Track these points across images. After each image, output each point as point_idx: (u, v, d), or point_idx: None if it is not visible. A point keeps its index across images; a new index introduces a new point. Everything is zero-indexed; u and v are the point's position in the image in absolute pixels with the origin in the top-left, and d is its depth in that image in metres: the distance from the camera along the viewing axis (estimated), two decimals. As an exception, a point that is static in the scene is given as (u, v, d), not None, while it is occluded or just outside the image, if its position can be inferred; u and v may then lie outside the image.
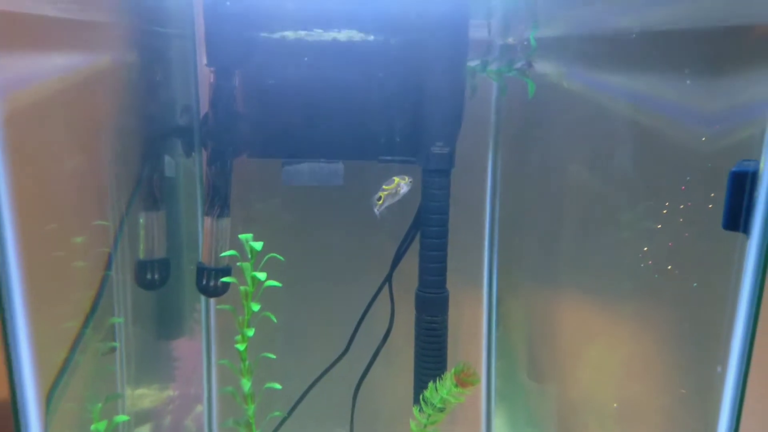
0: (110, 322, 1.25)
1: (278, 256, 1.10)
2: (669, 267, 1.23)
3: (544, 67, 1.31)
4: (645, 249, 1.27)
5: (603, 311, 1.41)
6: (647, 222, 1.27)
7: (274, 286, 1.14)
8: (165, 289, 1.46)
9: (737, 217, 0.85)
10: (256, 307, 1.11)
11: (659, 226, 1.24)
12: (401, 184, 1.29)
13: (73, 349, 1.13)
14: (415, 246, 1.39)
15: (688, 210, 1.17)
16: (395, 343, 1.48)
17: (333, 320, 1.54)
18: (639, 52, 1.16)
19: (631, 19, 1.12)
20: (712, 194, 1.08)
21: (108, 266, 1.25)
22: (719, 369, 0.89)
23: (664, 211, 1.22)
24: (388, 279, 1.49)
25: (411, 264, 1.39)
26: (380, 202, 1.28)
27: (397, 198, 1.30)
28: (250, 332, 1.12)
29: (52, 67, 1.04)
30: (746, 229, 0.84)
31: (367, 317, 1.47)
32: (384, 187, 1.29)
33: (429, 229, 1.34)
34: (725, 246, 0.94)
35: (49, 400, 1.03)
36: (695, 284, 1.16)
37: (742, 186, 0.83)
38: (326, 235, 1.54)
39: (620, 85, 1.27)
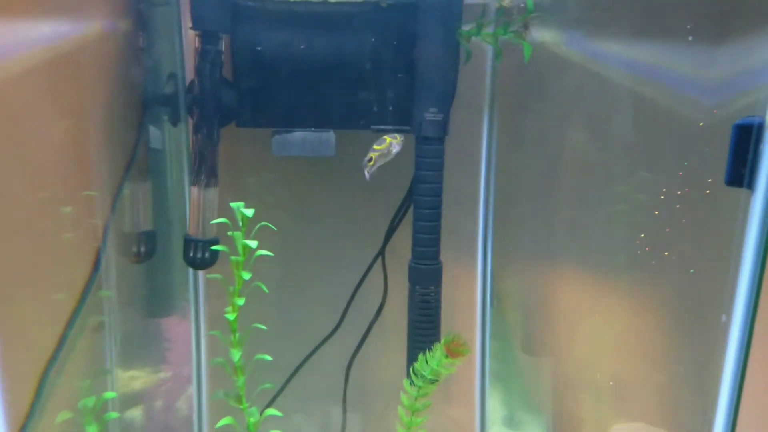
0: (99, 295, 1.21)
1: (270, 225, 1.07)
2: (667, 241, 1.21)
3: (542, 32, 1.28)
4: (643, 224, 1.25)
5: (599, 286, 1.39)
6: (646, 195, 1.25)
7: (266, 257, 1.10)
8: (154, 263, 1.42)
9: (741, 171, 0.82)
10: (247, 276, 1.07)
11: (661, 196, 1.22)
12: (393, 143, 1.25)
13: (69, 325, 1.10)
14: (409, 219, 1.37)
15: (689, 181, 1.15)
16: (389, 317, 1.47)
17: (325, 294, 1.51)
18: (639, 15, 1.12)
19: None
20: (711, 177, 1.06)
21: (102, 240, 1.21)
22: (723, 318, 0.86)
23: (665, 184, 1.19)
24: (381, 253, 1.47)
25: (405, 238, 1.37)
26: (371, 163, 1.25)
27: (388, 158, 1.26)
28: (241, 301, 1.08)
29: (34, 36, 1.01)
30: (750, 184, 0.81)
31: (360, 292, 1.46)
32: (375, 147, 1.25)
33: (422, 199, 1.31)
34: (727, 214, 0.91)
35: (44, 377, 1.00)
36: (691, 271, 1.14)
37: (747, 139, 0.80)
38: (318, 207, 1.51)
39: (620, 51, 1.24)
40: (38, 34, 1.02)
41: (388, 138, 1.26)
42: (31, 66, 0.99)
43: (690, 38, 1.10)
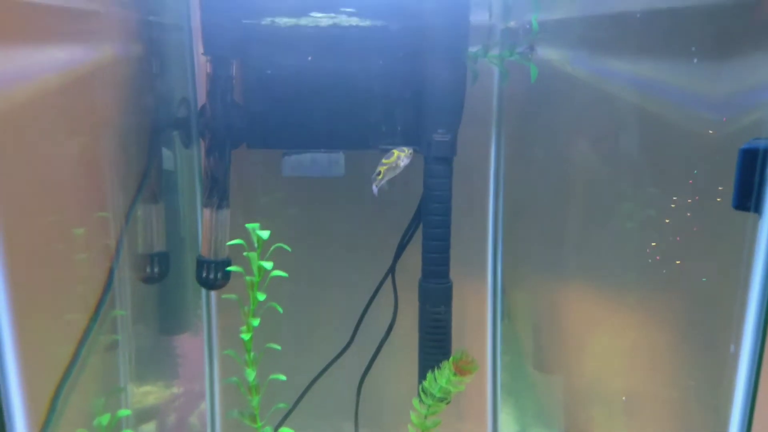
0: (113, 314, 1.22)
1: (285, 246, 1.08)
2: (676, 255, 1.21)
3: (547, 52, 1.29)
4: (652, 239, 1.26)
5: (610, 301, 1.39)
6: (654, 210, 1.26)
7: (278, 278, 1.11)
8: (167, 283, 1.44)
9: (748, 195, 0.83)
10: (261, 297, 1.08)
11: (669, 211, 1.22)
12: (401, 156, 1.25)
13: (81, 344, 1.11)
14: (419, 237, 1.37)
15: (696, 197, 1.16)
16: (399, 335, 1.46)
17: (337, 313, 1.53)
18: (643, 33, 1.14)
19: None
20: (720, 187, 1.06)
21: (114, 260, 1.23)
22: (732, 348, 0.87)
23: (674, 200, 1.20)
24: (391, 270, 1.47)
25: (415, 255, 1.38)
26: (380, 177, 1.25)
27: (397, 171, 1.26)
28: (256, 322, 1.10)
29: (49, 61, 1.03)
30: (758, 208, 0.82)
31: (370, 309, 1.46)
32: (383, 161, 1.26)
33: (431, 218, 1.32)
34: (735, 231, 0.92)
35: (56, 396, 1.02)
36: (704, 279, 1.15)
37: (753, 163, 0.81)
38: (328, 226, 1.52)
39: (625, 70, 1.25)
40: (53, 59, 1.04)
41: (396, 151, 1.26)
42: (45, 90, 1.01)
43: (695, 58, 1.11)
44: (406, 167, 1.29)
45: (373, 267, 1.46)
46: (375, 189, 1.25)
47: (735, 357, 0.86)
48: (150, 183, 1.34)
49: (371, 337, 1.46)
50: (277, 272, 1.10)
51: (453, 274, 1.34)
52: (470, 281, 1.52)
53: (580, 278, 1.44)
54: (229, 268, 1.12)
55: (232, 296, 1.12)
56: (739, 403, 0.90)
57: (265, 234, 1.06)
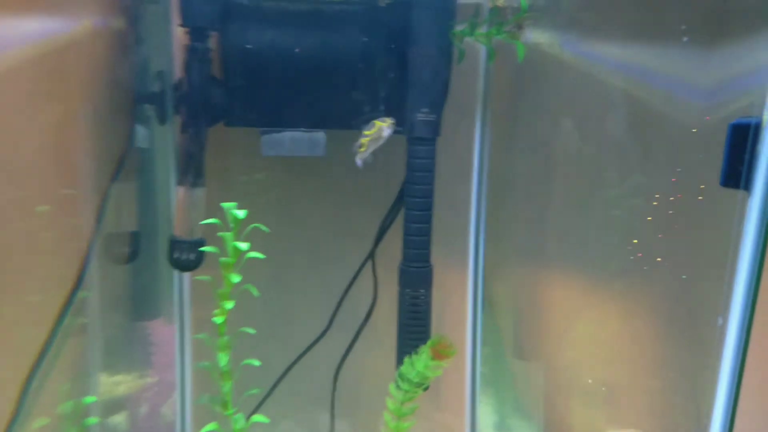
0: (82, 297, 1.17)
1: (263, 226, 1.04)
2: (660, 247, 1.19)
3: (536, 33, 1.26)
4: (637, 229, 1.24)
5: (593, 289, 1.38)
6: (640, 199, 1.24)
7: (253, 260, 1.07)
8: (138, 265, 1.39)
9: (737, 172, 0.81)
10: (236, 278, 1.04)
11: (654, 200, 1.20)
12: (383, 127, 1.21)
13: (54, 329, 1.07)
14: (401, 222, 1.33)
15: (681, 187, 1.14)
16: (379, 322, 1.45)
17: (314, 298, 1.49)
18: (635, 14, 1.11)
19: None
20: (705, 176, 1.04)
21: (90, 241, 1.18)
22: (720, 320, 0.85)
23: (658, 189, 1.18)
24: (371, 255, 1.44)
25: (396, 240, 1.34)
26: (362, 149, 1.21)
27: (380, 143, 1.22)
28: (230, 305, 1.06)
29: (18, 32, 0.98)
30: (747, 185, 0.80)
31: (349, 295, 1.44)
32: (365, 132, 1.22)
33: (413, 200, 1.29)
34: (722, 216, 0.90)
35: (27, 384, 0.98)
36: (684, 276, 1.13)
37: (743, 139, 0.79)
38: (307, 208, 1.48)
39: (614, 54, 1.22)
40: (23, 31, 1.00)
41: (377, 122, 1.22)
42: (15, 64, 0.96)
43: (684, 39, 1.09)
44: (391, 143, 1.25)
45: (353, 251, 1.44)
46: (359, 162, 1.21)
47: (721, 335, 0.83)
48: (120, 159, 1.29)
49: (349, 324, 1.44)
50: (253, 253, 1.06)
51: (434, 259, 1.31)
52: (451, 267, 1.49)
53: (564, 266, 1.43)
54: (203, 248, 1.07)
55: (205, 278, 1.07)
56: (722, 394, 0.88)
57: (241, 213, 1.02)
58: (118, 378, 1.48)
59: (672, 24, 1.10)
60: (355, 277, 1.45)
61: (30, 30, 1.00)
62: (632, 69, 1.22)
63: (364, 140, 1.21)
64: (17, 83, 0.97)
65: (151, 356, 1.54)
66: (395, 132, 1.31)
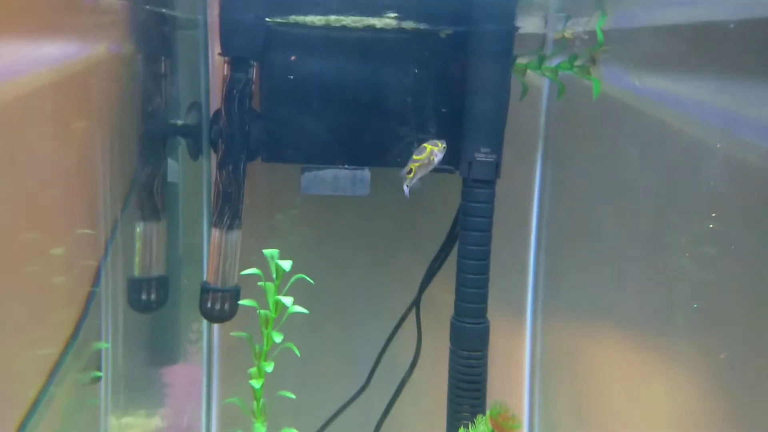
0: (94, 347, 1.06)
1: (307, 278, 0.94)
2: (736, 300, 1.07)
3: (606, 68, 1.15)
4: (710, 281, 1.12)
5: (664, 350, 1.24)
6: (714, 248, 1.12)
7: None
8: (164, 310, 1.27)
9: None
10: (278, 337, 0.93)
11: (730, 252, 1.08)
12: (434, 152, 1.12)
13: (50, 379, 0.97)
14: (447, 266, 1.25)
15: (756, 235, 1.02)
16: (422, 376, 1.33)
17: (353, 347, 1.40)
18: (735, 49, 1.00)
19: (729, 5, 0.95)
20: None
21: (95, 282, 1.08)
22: None
23: (732, 246, 1.06)
24: (416, 303, 1.33)
25: (442, 286, 1.25)
26: (410, 175, 1.10)
27: (429, 168, 1.12)
28: (269, 367, 0.94)
29: (41, 56, 0.92)
30: None
31: (391, 345, 1.33)
32: (414, 157, 1.11)
33: (468, 249, 1.17)
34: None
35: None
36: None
37: None
38: (348, 251, 1.40)
39: (706, 94, 1.10)
40: (41, 55, 0.92)
41: (428, 146, 1.12)
42: (32, 89, 0.89)
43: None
44: (440, 178, 1.16)
45: (396, 297, 1.34)
46: (407, 190, 1.11)
47: None
48: (149, 197, 1.18)
49: (391, 378, 1.33)
50: (297, 308, 0.95)
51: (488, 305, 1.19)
52: (506, 318, 1.38)
53: (633, 321, 1.30)
54: (242, 302, 0.96)
55: (242, 334, 0.96)
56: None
57: (287, 264, 0.91)
58: (131, 420, 1.36)
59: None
60: (397, 327, 1.33)
61: (50, 55, 0.94)
62: (706, 111, 1.11)
63: (413, 165, 1.11)
64: (34, 111, 0.89)
65: (165, 398, 1.43)
66: (448, 171, 1.21)
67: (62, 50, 0.98)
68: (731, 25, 0.96)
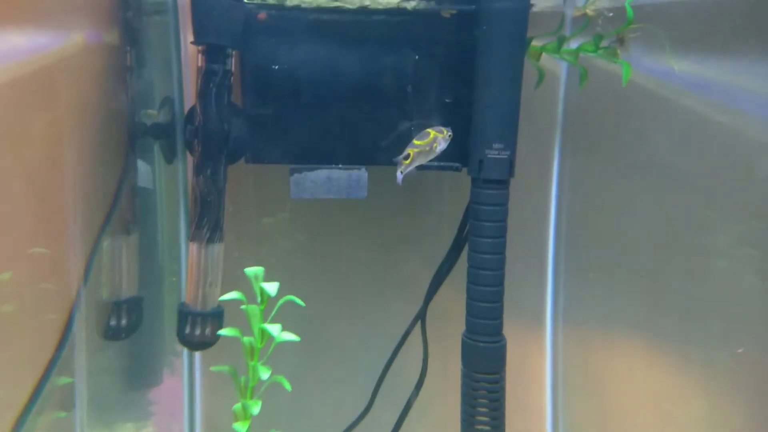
0: (62, 382, 0.94)
1: (297, 299, 0.82)
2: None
3: (637, 49, 1.02)
4: (746, 287, 1.02)
5: (701, 369, 1.14)
6: (758, 253, 1.02)
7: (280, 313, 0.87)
8: (139, 336, 1.15)
9: None
10: (265, 373, 0.80)
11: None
12: (438, 138, 1.01)
13: (22, 417, 0.87)
14: (455, 273, 1.14)
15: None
16: (431, 397, 1.24)
17: (353, 368, 1.31)
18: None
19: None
20: None
21: (74, 309, 0.97)
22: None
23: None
24: (421, 316, 1.23)
25: (450, 296, 1.15)
26: (407, 161, 1.00)
27: (430, 157, 1.02)
28: (256, 407, 0.81)
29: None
30: None
31: (394, 365, 1.23)
32: (414, 141, 1.01)
33: (480, 257, 1.06)
34: None
35: None
36: None
37: None
38: (345, 259, 1.31)
39: (757, 81, 0.98)
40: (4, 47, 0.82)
41: (432, 131, 1.02)
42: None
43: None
44: (446, 175, 1.06)
45: (399, 309, 1.25)
46: (400, 176, 1.00)
47: None
48: (121, 208, 1.05)
49: (395, 400, 1.24)
50: (286, 337, 0.82)
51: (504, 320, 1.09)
52: (523, 334, 1.29)
53: (662, 336, 1.19)
54: (222, 332, 0.83)
55: (225, 368, 0.83)
56: None
57: (272, 288, 0.78)
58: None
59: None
60: (401, 344, 1.23)
61: (7, 46, 0.83)
62: (744, 100, 0.98)
63: (411, 150, 1.01)
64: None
65: (151, 419, 1.31)
66: (453, 169, 1.10)
67: (25, 41, 0.87)
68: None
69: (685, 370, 1.15)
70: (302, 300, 0.88)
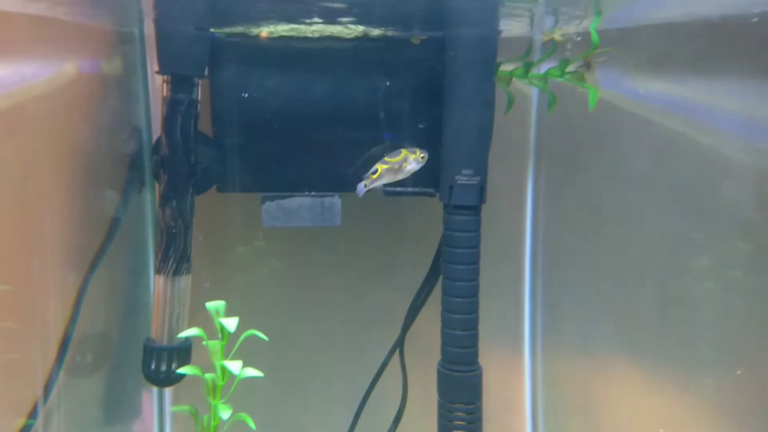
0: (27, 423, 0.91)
1: (260, 334, 0.80)
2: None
3: (603, 72, 1.01)
4: (729, 309, 0.99)
5: (675, 387, 1.11)
6: (737, 272, 1.00)
7: (254, 344, 0.84)
8: (110, 370, 1.12)
9: None
10: (225, 412, 0.78)
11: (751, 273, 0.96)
12: (409, 158, 0.99)
13: None
14: (433, 301, 1.12)
15: None
16: (410, 426, 1.20)
17: (330, 395, 1.28)
18: (755, 48, 0.86)
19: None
20: None
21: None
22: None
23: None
24: (399, 345, 1.20)
25: (428, 323, 1.12)
26: (375, 175, 0.98)
27: (399, 176, 1.00)
28: (216, 451, 0.79)
29: None
30: None
31: (373, 396, 1.21)
32: (386, 158, 0.99)
33: (454, 285, 1.04)
34: None
35: None
36: None
37: None
38: (321, 288, 1.29)
39: (719, 102, 0.97)
40: None
41: (405, 151, 1.00)
42: None
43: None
44: (424, 202, 1.05)
45: (377, 338, 1.23)
46: (362, 188, 0.98)
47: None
48: (84, 241, 1.03)
49: (375, 429, 1.21)
50: (249, 372, 0.80)
51: (482, 341, 1.06)
52: (501, 361, 1.27)
53: (641, 354, 1.17)
54: (179, 371, 0.81)
55: (186, 408, 0.81)
56: None
57: (232, 324, 0.76)
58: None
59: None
60: (380, 371, 1.21)
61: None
62: (719, 120, 0.97)
63: (381, 166, 0.99)
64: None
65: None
66: (428, 195, 1.09)
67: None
68: (754, 19, 0.81)
69: (664, 389, 1.13)
70: (277, 330, 0.86)
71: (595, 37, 0.91)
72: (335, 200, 1.10)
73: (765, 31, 0.83)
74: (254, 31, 1.04)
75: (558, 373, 1.28)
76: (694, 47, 0.94)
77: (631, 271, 1.17)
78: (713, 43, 0.91)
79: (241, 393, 0.86)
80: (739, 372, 1.00)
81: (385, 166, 0.99)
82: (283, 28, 1.04)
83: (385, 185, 1.07)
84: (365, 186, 0.98)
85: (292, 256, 1.26)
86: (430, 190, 1.09)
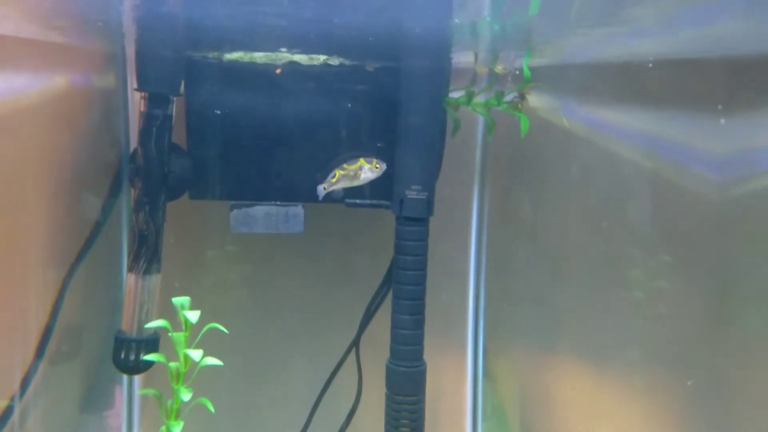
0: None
1: (220, 327, 0.88)
2: (688, 336, 1.03)
3: (540, 101, 1.12)
4: (657, 314, 1.08)
5: (609, 381, 1.20)
6: (660, 280, 1.08)
7: (218, 344, 0.91)
8: (85, 359, 1.19)
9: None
10: (186, 395, 0.86)
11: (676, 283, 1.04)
12: (365, 167, 1.08)
13: None
14: (389, 305, 1.18)
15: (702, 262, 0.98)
16: (363, 423, 1.28)
17: (288, 395, 1.33)
18: (656, 85, 0.97)
19: (649, 45, 0.93)
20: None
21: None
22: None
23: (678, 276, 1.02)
24: (355, 345, 1.27)
25: (385, 325, 1.18)
26: (333, 179, 1.07)
27: (355, 182, 1.09)
28: (178, 426, 0.87)
29: None
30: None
31: (330, 392, 1.27)
32: (344, 165, 1.08)
33: (402, 288, 1.13)
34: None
35: None
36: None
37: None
38: (284, 290, 1.34)
39: (631, 125, 1.08)
40: None
41: (362, 160, 1.09)
42: None
43: (719, 107, 0.95)
44: (381, 215, 1.12)
45: (334, 338, 1.28)
46: (321, 190, 1.07)
47: None
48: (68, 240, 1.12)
49: (329, 425, 1.27)
50: (209, 361, 0.89)
51: (427, 342, 1.14)
52: (447, 357, 1.34)
53: (576, 354, 1.26)
54: (146, 358, 0.90)
55: (151, 392, 0.89)
56: None
57: (194, 316, 0.85)
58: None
59: (703, 93, 0.97)
60: (336, 369, 1.27)
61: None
62: (647, 141, 1.08)
63: (338, 171, 1.08)
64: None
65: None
66: (384, 207, 1.17)
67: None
68: (650, 65, 0.94)
69: (601, 388, 1.20)
70: (241, 327, 0.93)
71: (527, 72, 1.02)
72: (298, 209, 1.18)
73: (657, 73, 0.95)
74: (227, 57, 1.13)
75: (498, 370, 1.36)
76: (608, 83, 1.06)
77: (569, 280, 1.26)
78: (622, 80, 1.03)
79: (204, 388, 0.93)
80: (689, 383, 1.09)
81: (342, 172, 1.08)
82: (258, 55, 1.13)
83: (345, 197, 1.17)
84: (324, 189, 1.07)
85: (258, 260, 1.32)
86: (386, 203, 1.16)
